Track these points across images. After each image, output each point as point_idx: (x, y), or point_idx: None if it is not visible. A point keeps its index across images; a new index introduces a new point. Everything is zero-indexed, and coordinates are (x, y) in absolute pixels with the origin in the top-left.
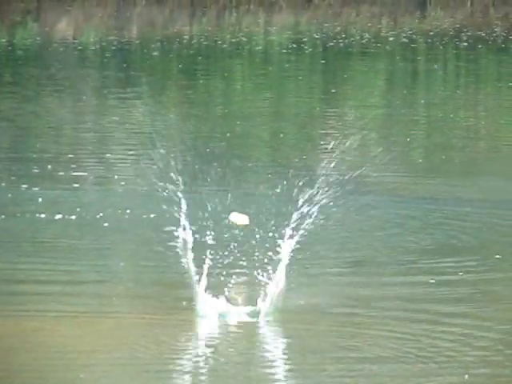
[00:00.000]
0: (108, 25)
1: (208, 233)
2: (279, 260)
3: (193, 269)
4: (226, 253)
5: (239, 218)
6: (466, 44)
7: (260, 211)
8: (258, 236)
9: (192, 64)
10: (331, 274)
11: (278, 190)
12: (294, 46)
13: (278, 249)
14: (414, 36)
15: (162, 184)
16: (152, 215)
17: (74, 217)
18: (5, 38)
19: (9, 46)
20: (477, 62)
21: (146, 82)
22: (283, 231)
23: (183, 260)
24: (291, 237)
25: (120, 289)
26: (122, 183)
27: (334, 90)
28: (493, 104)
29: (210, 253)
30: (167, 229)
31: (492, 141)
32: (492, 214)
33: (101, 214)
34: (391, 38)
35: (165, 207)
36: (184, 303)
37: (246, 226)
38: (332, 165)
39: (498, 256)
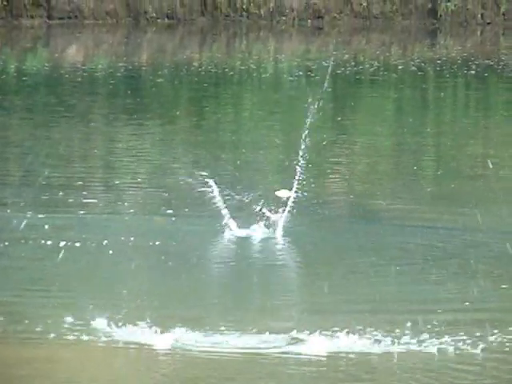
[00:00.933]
0: (118, 51)
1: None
2: None
3: None
4: None
5: (283, 193)
6: (474, 72)
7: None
8: None
9: (201, 91)
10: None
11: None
12: (303, 73)
13: None
14: (423, 64)
15: (170, 211)
16: (157, 242)
17: (78, 244)
18: (15, 64)
19: (19, 72)
20: (485, 91)
21: (156, 109)
22: None
23: None
24: None
25: (128, 317)
26: (131, 210)
27: (339, 118)
28: (501, 133)
29: None
30: (172, 256)
31: (502, 170)
32: (502, 243)
33: (106, 241)
34: (400, 67)
35: (171, 234)
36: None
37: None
38: (341, 192)
39: (504, 286)
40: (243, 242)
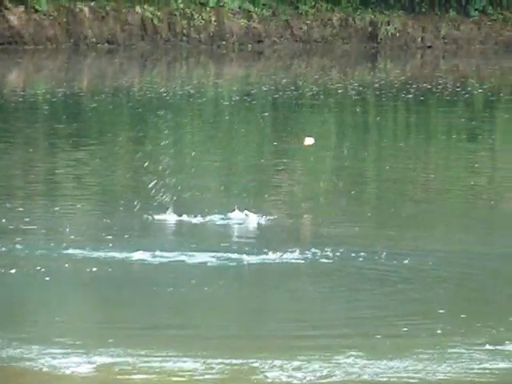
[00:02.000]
0: (58, 77)
1: None
2: None
3: None
4: None
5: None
6: (412, 96)
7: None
8: None
9: (139, 116)
10: None
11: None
12: (242, 97)
13: None
14: (362, 88)
15: (109, 237)
16: (94, 269)
17: (13, 270)
18: None
19: None
20: (423, 114)
21: (94, 135)
22: None
23: None
24: None
25: (65, 344)
26: (71, 237)
27: (275, 143)
28: (440, 156)
29: None
30: (112, 282)
31: (440, 194)
32: (447, 266)
33: (43, 269)
34: (340, 91)
35: (111, 259)
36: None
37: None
38: (282, 216)
39: (441, 311)
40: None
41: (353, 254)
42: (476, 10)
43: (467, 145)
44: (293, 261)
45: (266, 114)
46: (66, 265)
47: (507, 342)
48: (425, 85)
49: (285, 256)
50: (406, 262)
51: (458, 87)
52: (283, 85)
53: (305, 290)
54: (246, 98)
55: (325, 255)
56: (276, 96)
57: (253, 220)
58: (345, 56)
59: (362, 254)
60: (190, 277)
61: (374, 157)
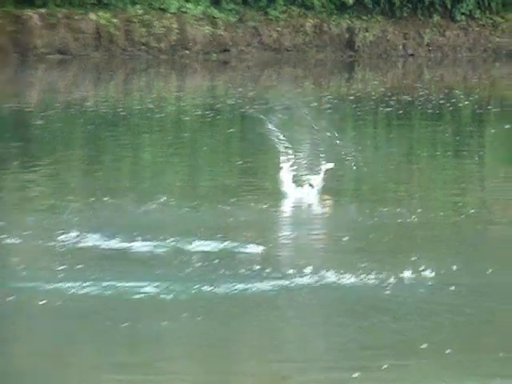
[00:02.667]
0: (4, 91)
1: None
2: None
3: None
4: None
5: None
6: (392, 109)
7: None
8: None
9: (93, 133)
10: None
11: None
12: (206, 112)
13: None
14: (337, 101)
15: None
16: (44, 301)
17: None
18: None
19: None
20: (404, 129)
21: (45, 151)
22: None
23: None
24: None
25: None
26: (20, 266)
27: (240, 162)
28: (419, 169)
29: None
30: (63, 315)
31: (425, 216)
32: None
33: None
34: (313, 104)
35: (61, 291)
36: None
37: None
38: (245, 238)
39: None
40: None
41: (334, 284)
42: (463, 14)
43: (451, 162)
44: (261, 290)
45: (232, 130)
46: (12, 297)
47: (498, 379)
48: (406, 97)
49: (254, 285)
50: (388, 292)
51: (442, 99)
52: (251, 98)
53: (277, 322)
54: (209, 112)
55: (300, 285)
56: (243, 110)
57: (213, 246)
58: (319, 66)
59: (345, 282)
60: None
61: (349, 177)
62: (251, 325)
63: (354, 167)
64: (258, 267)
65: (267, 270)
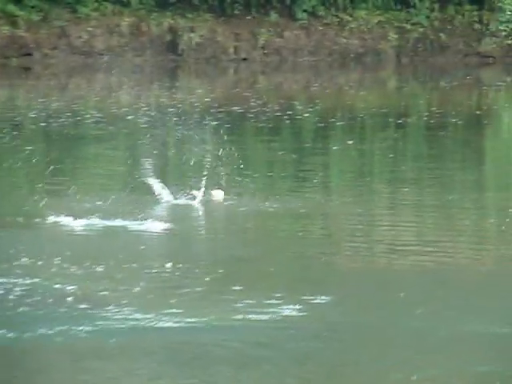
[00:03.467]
0: None
1: None
2: None
3: None
4: None
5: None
6: (218, 123)
7: None
8: None
9: None
10: None
11: None
12: (2, 127)
13: None
14: (156, 113)
15: None
16: None
17: None
18: None
19: None
20: (232, 145)
21: None
22: None
23: None
24: None
25: None
26: None
27: (40, 184)
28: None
29: None
30: None
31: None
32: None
33: None
34: (128, 117)
35: None
36: None
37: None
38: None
39: None
40: None
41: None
42: (304, 11)
43: (285, 186)
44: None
45: (31, 147)
46: None
47: None
48: (236, 108)
49: None
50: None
51: (278, 111)
52: (56, 110)
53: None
54: (6, 127)
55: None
56: (44, 124)
57: None
58: (137, 72)
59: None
60: None
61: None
62: None
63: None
64: None
65: None
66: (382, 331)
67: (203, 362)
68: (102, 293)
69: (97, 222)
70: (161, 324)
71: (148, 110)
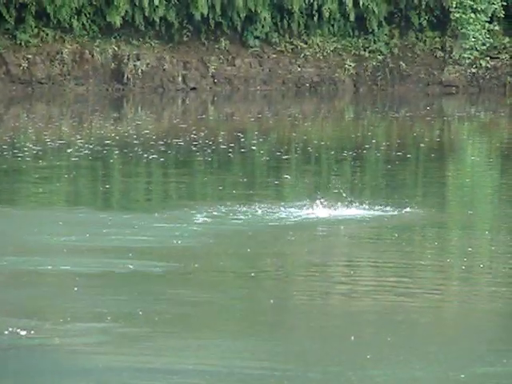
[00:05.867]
0: None
1: None
2: None
3: None
4: None
5: None
6: (156, 157)
7: None
8: None
9: None
10: None
11: None
12: None
13: None
14: (94, 146)
15: None
16: None
17: None
18: None
19: None
20: (168, 181)
21: None
22: None
23: None
24: None
25: None
26: None
27: None
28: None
29: None
30: None
31: None
32: None
33: None
34: (68, 151)
35: None
36: None
37: None
38: None
39: None
40: None
41: None
42: (256, 38)
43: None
44: None
45: None
46: None
47: None
48: (178, 141)
49: None
50: None
51: (230, 143)
52: None
53: None
54: None
55: None
56: None
57: None
58: (79, 102)
59: None
60: None
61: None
62: None
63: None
64: None
65: None
66: None
67: None
68: None
69: None
70: None
71: (84, 143)
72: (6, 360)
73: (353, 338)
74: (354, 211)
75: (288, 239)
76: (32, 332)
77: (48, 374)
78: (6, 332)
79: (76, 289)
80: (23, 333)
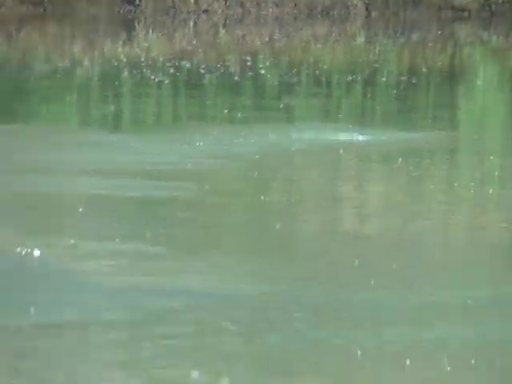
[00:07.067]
0: None
1: None
2: None
3: None
4: None
5: None
6: (170, 81)
7: None
8: None
9: None
10: None
11: None
12: None
13: None
14: (105, 67)
15: None
16: None
17: None
18: None
19: None
20: (175, 104)
21: None
22: None
23: None
24: None
25: None
26: None
27: None
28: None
29: None
30: None
31: None
32: None
33: None
34: (79, 72)
35: None
36: None
37: None
38: None
39: None
40: None
41: None
42: None
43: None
44: None
45: None
46: None
47: None
48: (187, 64)
49: None
50: None
51: (244, 65)
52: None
53: None
54: None
55: None
56: None
57: None
58: (91, 22)
59: None
60: None
61: None
62: None
63: None
64: None
65: None
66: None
67: None
68: None
69: None
70: None
71: (91, 63)
72: (22, 278)
73: (357, 262)
74: (363, 135)
75: (296, 163)
76: (42, 251)
77: (63, 292)
78: (18, 249)
79: (81, 209)
80: (36, 252)
